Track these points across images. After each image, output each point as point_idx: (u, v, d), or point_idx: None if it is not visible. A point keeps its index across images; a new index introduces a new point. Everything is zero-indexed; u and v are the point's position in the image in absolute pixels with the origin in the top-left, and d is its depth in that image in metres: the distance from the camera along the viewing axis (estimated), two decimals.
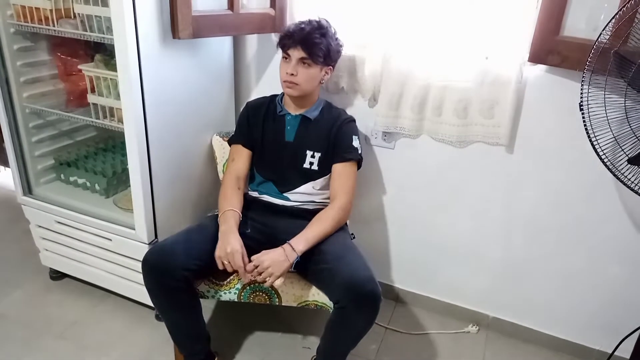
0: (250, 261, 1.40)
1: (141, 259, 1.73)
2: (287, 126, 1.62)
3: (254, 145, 1.65)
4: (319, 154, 1.59)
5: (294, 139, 1.61)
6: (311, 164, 1.60)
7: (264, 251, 1.41)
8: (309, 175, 1.61)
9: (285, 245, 1.41)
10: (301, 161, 1.60)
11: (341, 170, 1.57)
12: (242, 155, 1.66)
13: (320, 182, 1.62)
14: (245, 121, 1.66)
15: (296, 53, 1.48)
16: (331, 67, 1.57)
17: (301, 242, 1.43)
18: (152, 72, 1.51)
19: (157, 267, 1.39)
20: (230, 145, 1.72)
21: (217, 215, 1.56)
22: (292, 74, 1.49)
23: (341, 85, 1.80)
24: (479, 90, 1.61)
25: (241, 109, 1.72)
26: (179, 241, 1.45)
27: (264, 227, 1.57)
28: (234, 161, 1.66)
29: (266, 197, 1.64)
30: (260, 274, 1.38)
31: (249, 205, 1.63)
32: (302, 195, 1.62)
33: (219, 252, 1.41)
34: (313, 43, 1.46)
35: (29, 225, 1.97)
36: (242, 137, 1.67)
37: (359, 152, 1.60)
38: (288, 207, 1.61)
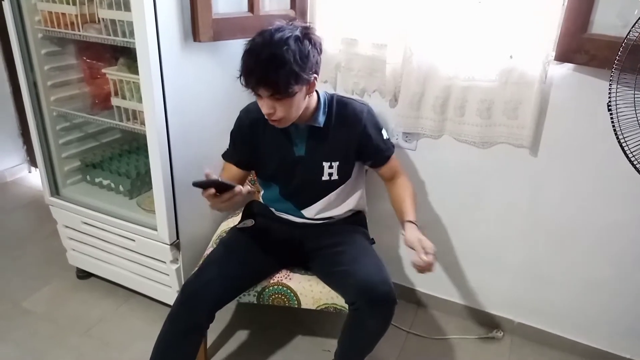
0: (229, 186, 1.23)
1: (163, 259, 1.77)
2: (294, 139, 1.45)
3: (250, 164, 1.53)
4: (337, 163, 1.46)
5: (306, 152, 1.45)
6: (330, 175, 1.48)
7: (415, 233, 1.35)
8: (330, 187, 1.50)
9: (411, 224, 1.41)
10: (319, 175, 1.47)
11: (387, 167, 1.53)
12: (234, 173, 1.53)
13: (340, 190, 1.52)
14: (239, 138, 1.51)
15: (264, 91, 1.24)
16: (314, 76, 1.29)
17: (414, 215, 1.46)
18: (173, 75, 1.53)
19: (192, 301, 1.36)
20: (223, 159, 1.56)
21: (237, 228, 1.57)
22: (271, 113, 1.29)
23: (361, 85, 1.79)
24: (502, 90, 1.57)
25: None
26: (217, 283, 1.38)
27: (287, 239, 1.54)
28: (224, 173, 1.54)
29: (284, 215, 1.58)
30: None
31: (267, 219, 1.59)
32: (321, 211, 1.54)
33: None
34: (274, 82, 1.21)
35: (57, 225, 2.02)
36: (236, 156, 1.53)
37: (390, 140, 1.54)
38: (309, 224, 1.56)
